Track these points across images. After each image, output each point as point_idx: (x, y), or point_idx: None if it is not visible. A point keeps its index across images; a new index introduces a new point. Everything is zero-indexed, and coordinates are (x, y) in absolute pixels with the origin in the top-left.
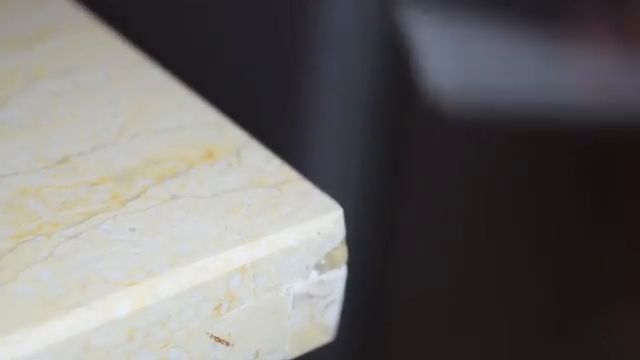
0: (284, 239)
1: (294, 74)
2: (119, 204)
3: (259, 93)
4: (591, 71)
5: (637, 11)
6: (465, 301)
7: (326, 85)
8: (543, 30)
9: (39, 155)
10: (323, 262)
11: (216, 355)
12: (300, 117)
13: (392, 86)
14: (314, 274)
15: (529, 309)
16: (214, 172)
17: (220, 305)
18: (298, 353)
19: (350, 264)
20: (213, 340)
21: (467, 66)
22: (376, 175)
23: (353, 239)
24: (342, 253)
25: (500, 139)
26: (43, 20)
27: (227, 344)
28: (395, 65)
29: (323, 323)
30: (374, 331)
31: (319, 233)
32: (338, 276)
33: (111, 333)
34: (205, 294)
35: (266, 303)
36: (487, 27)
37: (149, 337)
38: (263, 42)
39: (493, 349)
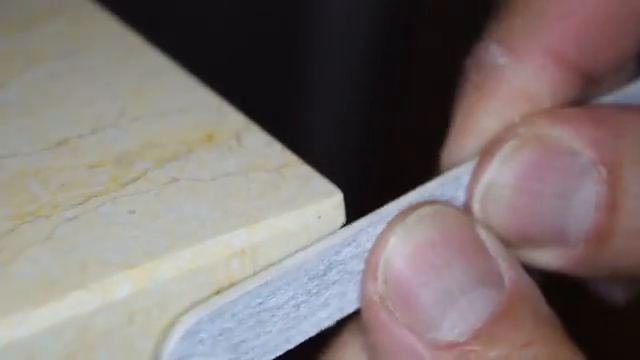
0: (284, 223)
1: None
2: (119, 186)
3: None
4: None
5: None
6: None
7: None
8: None
9: (38, 137)
10: None
11: None
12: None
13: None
14: None
15: None
16: (214, 155)
17: (220, 288)
18: None
19: None
20: None
21: None
22: (377, 158)
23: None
24: None
25: None
26: (43, 2)
27: None
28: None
29: None
30: None
31: (319, 217)
32: None
33: (110, 315)
34: (204, 277)
35: None
36: None
37: (149, 320)
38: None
39: None
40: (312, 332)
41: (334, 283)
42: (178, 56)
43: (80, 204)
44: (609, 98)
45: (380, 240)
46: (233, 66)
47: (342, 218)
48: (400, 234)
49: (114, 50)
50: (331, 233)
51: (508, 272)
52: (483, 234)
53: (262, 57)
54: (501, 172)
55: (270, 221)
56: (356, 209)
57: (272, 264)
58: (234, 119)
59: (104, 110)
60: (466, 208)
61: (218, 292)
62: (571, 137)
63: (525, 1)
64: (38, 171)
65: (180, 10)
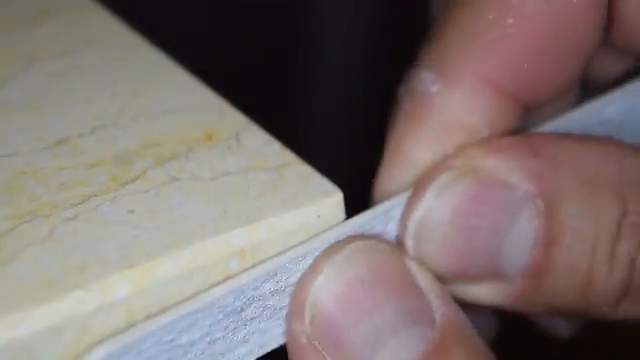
0: (283, 222)
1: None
2: (118, 186)
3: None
4: None
5: None
6: None
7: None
8: None
9: (38, 136)
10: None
11: None
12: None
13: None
14: None
15: None
16: (213, 155)
17: None
18: None
19: None
20: None
21: None
22: (377, 158)
23: None
24: None
25: None
26: (43, 2)
27: None
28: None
29: None
30: None
31: (319, 217)
32: None
33: (110, 315)
34: (204, 277)
35: None
36: None
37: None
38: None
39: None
40: None
41: (252, 319)
42: (178, 56)
43: (80, 203)
44: (548, 126)
45: (307, 277)
46: (232, 66)
47: (342, 217)
48: (329, 272)
49: (114, 49)
50: (248, 268)
51: (440, 308)
52: (414, 270)
53: (262, 57)
54: (435, 207)
55: (270, 220)
56: (356, 208)
57: (185, 299)
58: (234, 118)
59: (104, 109)
60: (398, 243)
61: (124, 329)
62: (507, 169)
63: (456, 25)
64: (38, 170)
65: (180, 10)
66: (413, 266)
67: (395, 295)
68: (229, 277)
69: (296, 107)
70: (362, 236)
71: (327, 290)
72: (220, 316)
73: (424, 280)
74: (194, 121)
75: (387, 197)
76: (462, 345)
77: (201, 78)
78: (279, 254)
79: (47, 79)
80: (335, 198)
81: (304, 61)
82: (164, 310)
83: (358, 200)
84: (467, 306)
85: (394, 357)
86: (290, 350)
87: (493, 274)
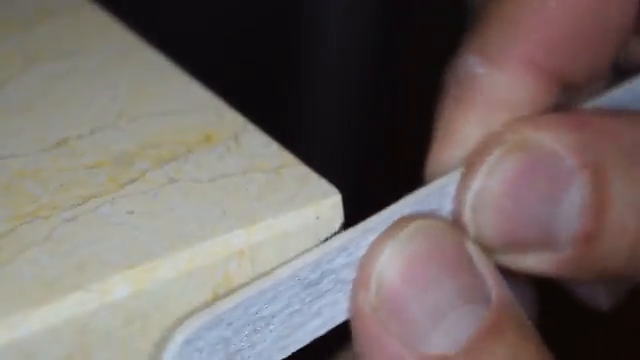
0: (282, 224)
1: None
2: (117, 187)
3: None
4: None
5: None
6: None
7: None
8: None
9: (37, 137)
10: None
11: None
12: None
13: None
14: None
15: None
16: (212, 156)
17: (218, 289)
18: None
19: None
20: None
21: None
22: (376, 158)
23: (352, 224)
24: None
25: None
26: (42, 2)
27: None
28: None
29: None
30: None
31: (317, 218)
32: None
33: (109, 316)
34: (203, 278)
35: None
36: None
37: (147, 320)
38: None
39: None
40: (306, 340)
41: (327, 292)
42: (177, 57)
43: (79, 205)
44: (588, 104)
45: (373, 251)
46: (231, 67)
47: (340, 218)
48: (394, 247)
49: (113, 51)
50: (322, 242)
51: (494, 288)
52: (472, 250)
53: (260, 58)
54: (490, 179)
55: (268, 222)
56: (355, 209)
57: (266, 272)
58: (232, 120)
59: (103, 110)
60: (454, 217)
61: (215, 298)
62: (555, 142)
63: (501, 11)
64: (37, 172)
65: (179, 10)
66: (470, 246)
67: (454, 273)
68: (228, 278)
69: (294, 108)
70: (424, 215)
71: (392, 264)
72: (298, 288)
73: (480, 260)
74: (193, 122)
75: (440, 175)
76: (514, 324)
77: (199, 79)
78: (350, 229)
79: (46, 80)
80: (334, 199)
81: (302, 63)
82: (248, 283)
83: (357, 201)
84: (514, 289)
85: (452, 332)
86: (354, 320)
87: (545, 242)
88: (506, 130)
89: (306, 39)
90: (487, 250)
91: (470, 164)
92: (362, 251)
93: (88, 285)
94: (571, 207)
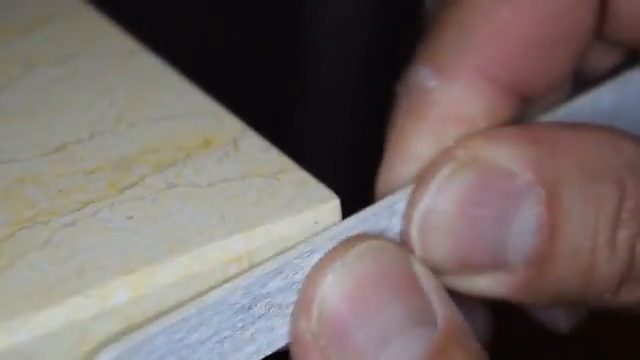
0: (281, 228)
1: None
2: (116, 192)
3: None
4: None
5: None
6: None
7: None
8: None
9: (36, 142)
10: None
11: None
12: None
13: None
14: None
15: None
16: (211, 161)
17: None
18: None
19: None
20: None
21: None
22: (374, 164)
23: None
24: None
25: None
26: (42, 7)
27: None
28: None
29: None
30: None
31: (316, 223)
32: None
33: (108, 321)
34: (202, 283)
35: None
36: None
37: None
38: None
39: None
40: None
41: (260, 317)
42: (176, 61)
43: (78, 210)
44: (544, 117)
45: (315, 274)
46: (230, 72)
47: (339, 223)
48: (338, 269)
49: (112, 55)
50: (254, 266)
51: (441, 309)
52: (419, 271)
53: (259, 63)
54: (439, 198)
55: (267, 227)
56: (353, 214)
57: (194, 298)
58: (231, 125)
59: (102, 115)
60: (403, 237)
61: (134, 327)
62: (509, 158)
63: (452, 20)
64: (36, 177)
65: (178, 15)
66: (418, 268)
67: (401, 296)
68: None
69: (292, 113)
70: (371, 235)
71: (336, 287)
72: (228, 314)
73: (427, 282)
74: (192, 127)
75: (390, 192)
76: (461, 346)
77: (197, 83)
78: (285, 250)
79: (45, 85)
80: (332, 204)
81: (300, 69)
82: (172, 309)
83: (354, 205)
84: (464, 307)
85: (398, 356)
86: (294, 347)
87: (497, 264)
88: (457, 146)
89: (305, 45)
90: (437, 271)
91: (419, 181)
92: (301, 274)
93: (87, 290)
94: (524, 227)
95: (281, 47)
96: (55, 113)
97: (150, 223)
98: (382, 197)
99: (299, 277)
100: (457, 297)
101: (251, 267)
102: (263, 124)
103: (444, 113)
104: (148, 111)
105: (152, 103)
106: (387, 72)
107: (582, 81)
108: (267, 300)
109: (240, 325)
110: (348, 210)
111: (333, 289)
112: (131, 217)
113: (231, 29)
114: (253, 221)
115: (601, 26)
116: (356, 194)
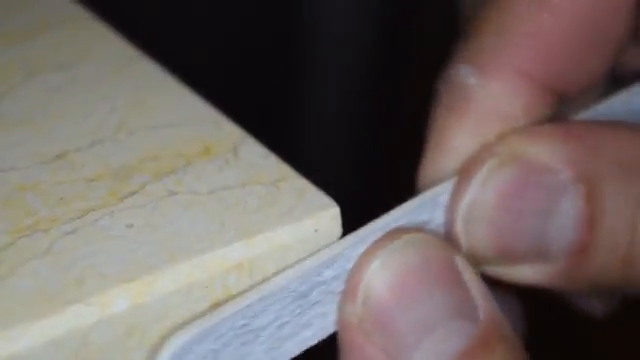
0: (281, 236)
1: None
2: (117, 200)
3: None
4: None
5: None
6: None
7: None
8: None
9: (36, 150)
10: None
11: None
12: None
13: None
14: None
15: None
16: (211, 169)
17: (217, 302)
18: None
19: None
20: None
21: None
22: (375, 171)
23: None
24: None
25: None
26: (41, 15)
27: None
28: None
29: None
30: None
31: (316, 230)
32: None
33: (109, 329)
34: (202, 291)
35: None
36: None
37: (147, 333)
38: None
39: None
40: (296, 351)
41: (316, 304)
42: (175, 68)
43: (78, 218)
44: (583, 115)
45: (362, 262)
46: (230, 78)
47: (339, 231)
48: (383, 258)
49: (112, 62)
50: (311, 255)
51: (482, 303)
52: (461, 265)
53: (259, 70)
54: (482, 191)
55: (267, 234)
56: (353, 222)
57: (254, 285)
58: (231, 132)
59: (102, 123)
60: (446, 229)
61: (202, 314)
62: (549, 154)
63: (492, 20)
64: (36, 185)
65: (177, 22)
66: (460, 262)
67: (443, 287)
68: (227, 291)
69: (292, 120)
70: (414, 228)
71: (381, 276)
72: (287, 300)
73: (469, 275)
74: (192, 135)
75: (431, 185)
76: (502, 342)
77: (197, 89)
78: (340, 240)
79: (45, 93)
80: (332, 212)
81: (300, 76)
82: (235, 296)
83: (355, 213)
84: (502, 304)
85: (437, 347)
86: (340, 331)
87: (538, 254)
88: (499, 142)
89: (305, 51)
90: (480, 261)
91: (463, 175)
92: (351, 263)
93: (87, 298)
94: (564, 220)
95: (281, 54)
96: (55, 121)
97: (150, 231)
98: (424, 190)
99: (349, 266)
100: (495, 293)
101: (251, 275)
102: (263, 131)
103: (484, 110)
104: (148, 118)
105: (152, 110)
106: (387, 80)
107: (617, 80)
108: (323, 287)
109: (298, 311)
110: (348, 218)
111: (378, 276)
112: (131, 225)
113: (231, 35)
114: (253, 229)
115: (637, 27)
116: (356, 201)
